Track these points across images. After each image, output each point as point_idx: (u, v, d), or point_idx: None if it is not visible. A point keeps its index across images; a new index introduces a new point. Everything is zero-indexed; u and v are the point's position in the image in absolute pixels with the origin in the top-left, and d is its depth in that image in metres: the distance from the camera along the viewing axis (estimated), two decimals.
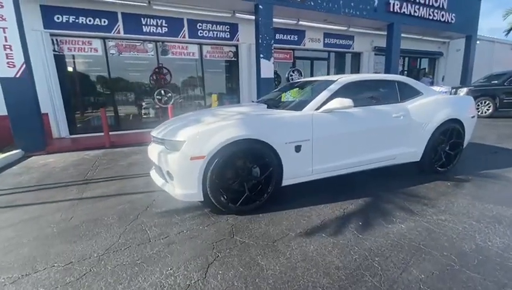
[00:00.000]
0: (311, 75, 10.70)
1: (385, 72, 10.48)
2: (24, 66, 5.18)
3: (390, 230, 2.11)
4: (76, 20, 6.58)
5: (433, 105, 3.22)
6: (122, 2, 6.70)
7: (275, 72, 10.07)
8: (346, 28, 10.10)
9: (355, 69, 11.66)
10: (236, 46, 8.78)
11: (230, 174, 2.34)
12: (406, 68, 13.45)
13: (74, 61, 6.96)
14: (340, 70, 11.42)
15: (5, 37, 4.95)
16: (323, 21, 9.30)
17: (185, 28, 7.82)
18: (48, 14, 6.30)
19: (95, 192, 3.13)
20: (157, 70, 7.69)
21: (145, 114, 8.04)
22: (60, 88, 6.69)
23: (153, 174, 2.82)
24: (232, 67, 9.07)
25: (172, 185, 2.34)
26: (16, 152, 5.11)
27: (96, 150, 5.57)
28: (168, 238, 2.09)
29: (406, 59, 13.27)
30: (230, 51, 8.83)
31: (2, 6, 4.85)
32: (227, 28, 8.42)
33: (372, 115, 2.90)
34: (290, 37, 9.62)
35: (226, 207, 2.37)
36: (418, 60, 13.88)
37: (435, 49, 13.79)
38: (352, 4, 8.73)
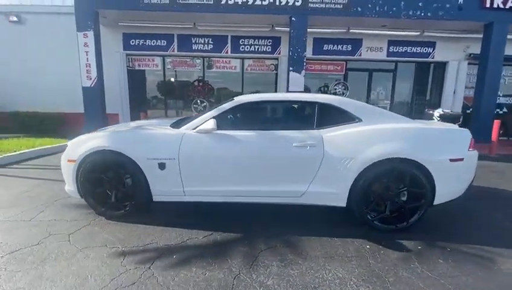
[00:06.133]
0: (369, 89, 9.31)
1: (478, 86, 7.92)
2: (96, 78, 7.11)
3: (187, 275, 1.84)
4: (145, 43, 8.40)
5: (366, 136, 2.41)
6: (177, 25, 8.03)
7: (325, 85, 9.44)
8: (418, 33, 8.26)
9: (438, 83, 9.28)
10: (278, 59, 8.77)
11: (98, 179, 2.60)
12: None
13: (140, 75, 8.86)
14: (416, 83, 9.35)
15: (87, 58, 6.97)
16: (381, 27, 7.98)
17: (228, 44, 8.52)
18: (126, 39, 8.35)
19: None
20: (196, 82, 8.75)
21: None
22: (129, 95, 8.68)
23: None
24: (271, 80, 9.12)
25: None
26: None
27: None
28: (31, 222, 2.56)
29: None
30: (272, 64, 8.93)
31: (87, 36, 6.87)
32: (269, 42, 8.59)
33: (264, 141, 2.49)
34: (342, 47, 8.75)
35: (94, 208, 2.65)
36: None
37: None
38: (420, 4, 7.12)
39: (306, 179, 2.47)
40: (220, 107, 2.64)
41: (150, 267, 1.91)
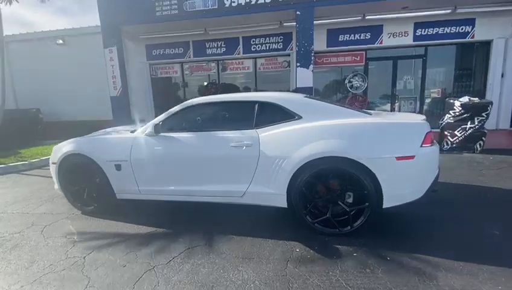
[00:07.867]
0: (394, 79, 8.45)
1: None
2: (121, 88, 7.98)
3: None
4: (164, 52, 9.08)
5: (299, 134, 2.29)
6: (190, 33, 8.49)
7: (345, 78, 8.89)
8: (450, 11, 7.19)
9: (482, 67, 7.94)
10: (290, 55, 8.58)
11: (73, 179, 3.00)
12: None
13: (162, 82, 9.60)
14: (455, 68, 8.14)
15: (113, 71, 7.87)
16: (402, 9, 7.18)
17: (240, 45, 8.66)
18: (149, 50, 9.14)
19: None
20: (209, 85, 9.14)
21: None
22: (153, 101, 9.50)
23: None
24: (285, 77, 8.96)
25: None
26: None
27: None
28: (27, 214, 3.09)
29: None
30: (284, 61, 8.77)
31: (112, 52, 7.76)
32: (280, 39, 8.46)
33: (204, 142, 2.56)
34: (360, 35, 8.12)
35: (73, 204, 3.07)
36: None
37: None
38: None
39: (245, 179, 2.47)
40: (169, 111, 2.80)
41: (84, 257, 2.17)
